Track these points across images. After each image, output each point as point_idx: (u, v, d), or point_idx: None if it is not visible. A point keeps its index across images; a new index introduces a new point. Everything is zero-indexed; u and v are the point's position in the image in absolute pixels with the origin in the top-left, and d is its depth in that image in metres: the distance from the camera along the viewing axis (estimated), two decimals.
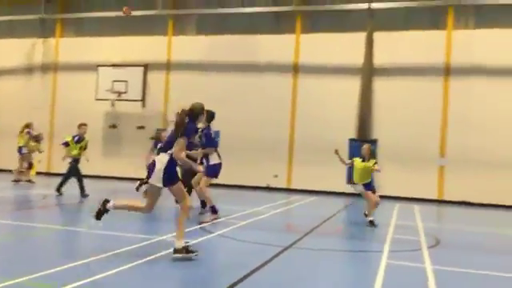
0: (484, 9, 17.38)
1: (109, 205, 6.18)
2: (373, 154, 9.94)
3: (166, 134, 13.71)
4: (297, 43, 19.09)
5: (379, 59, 17.70)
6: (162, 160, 5.83)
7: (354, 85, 17.89)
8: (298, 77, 19.03)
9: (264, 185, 18.69)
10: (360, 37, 17.75)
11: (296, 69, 19.05)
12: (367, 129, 17.99)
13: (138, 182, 13.34)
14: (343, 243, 8.51)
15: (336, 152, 10.01)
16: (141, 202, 6.38)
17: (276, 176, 18.74)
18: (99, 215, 6.26)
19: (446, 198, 17.20)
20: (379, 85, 17.90)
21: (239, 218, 9.71)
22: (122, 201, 6.50)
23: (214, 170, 9.37)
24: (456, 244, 8.42)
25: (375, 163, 9.77)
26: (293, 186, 18.70)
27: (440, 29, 17.83)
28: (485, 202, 16.51)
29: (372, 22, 17.63)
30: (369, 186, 9.86)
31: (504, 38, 16.96)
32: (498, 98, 16.89)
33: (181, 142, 5.78)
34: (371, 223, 9.62)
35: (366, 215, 9.94)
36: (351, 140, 17.66)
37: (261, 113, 19.16)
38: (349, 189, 17.82)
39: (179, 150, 5.76)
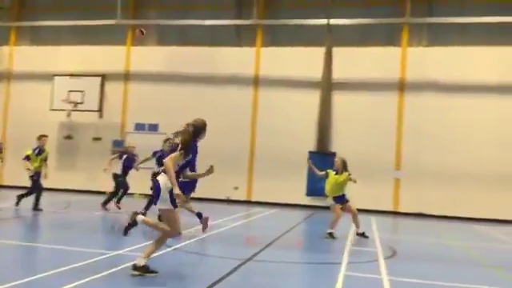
0: (435, 28, 18.13)
1: (138, 217, 5.91)
2: (345, 167, 10.06)
3: (130, 145, 13.57)
4: (257, 56, 19.27)
5: (338, 73, 18.09)
6: (165, 182, 5.54)
7: (313, 98, 18.18)
8: (258, 89, 19.18)
9: (224, 197, 18.61)
10: (319, 51, 18.11)
11: (257, 81, 19.20)
12: (326, 141, 18.29)
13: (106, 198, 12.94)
14: (303, 255, 8.56)
15: (308, 161, 10.16)
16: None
17: (236, 188, 18.71)
18: (128, 229, 5.98)
19: (402, 209, 17.65)
20: (338, 98, 18.28)
21: (198, 231, 9.61)
22: (153, 220, 6.12)
23: (187, 185, 9.24)
24: (411, 255, 8.63)
25: (349, 175, 9.93)
26: (253, 199, 18.72)
27: (395, 45, 18.46)
28: (438, 213, 17.04)
29: (330, 37, 18.03)
30: (339, 199, 10.00)
31: (454, 55, 17.72)
32: (449, 112, 17.57)
33: (176, 154, 5.57)
34: (330, 235, 9.73)
35: (358, 234, 10.08)
36: (311, 152, 17.88)
37: (221, 125, 19.13)
38: (309, 201, 18.08)
39: (170, 159, 5.51)
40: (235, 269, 6.38)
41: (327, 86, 18.24)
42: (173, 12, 19.99)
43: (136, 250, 6.87)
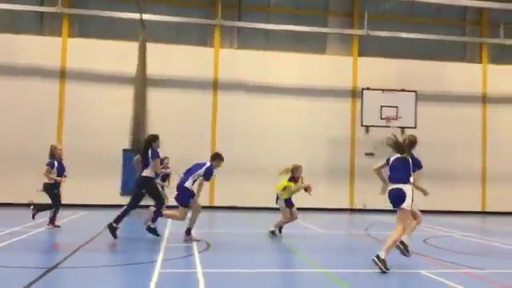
0: (245, 32, 19.25)
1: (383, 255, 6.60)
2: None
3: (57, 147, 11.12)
4: (64, 47, 17.84)
5: (153, 70, 17.78)
6: (409, 189, 6.79)
7: (126, 94, 17.53)
8: (65, 83, 17.77)
9: (26, 201, 16.72)
10: (133, 46, 17.54)
11: (63, 74, 17.76)
12: (141, 139, 17.81)
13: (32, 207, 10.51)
14: (115, 257, 8.15)
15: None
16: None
17: (40, 191, 16.97)
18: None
19: (217, 203, 18.29)
20: (153, 95, 17.94)
21: None
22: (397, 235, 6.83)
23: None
24: (225, 246, 8.95)
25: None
26: (62, 201, 17.23)
27: (209, 46, 19.03)
28: (250, 205, 18.12)
29: (144, 32, 17.63)
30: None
31: (260, 59, 19.09)
32: (258, 111, 18.85)
33: (418, 173, 7.02)
34: (273, 233, 10.43)
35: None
36: (125, 150, 17.29)
37: (22, 121, 17.24)
38: (124, 200, 17.41)
39: (419, 173, 7.03)
40: (37, 279, 5.71)
41: (141, 82, 17.76)
42: None
43: None
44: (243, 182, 18.29)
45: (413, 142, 7.00)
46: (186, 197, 9.16)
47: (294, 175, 10.37)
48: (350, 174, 19.49)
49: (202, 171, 9.25)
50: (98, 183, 17.18)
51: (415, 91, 19.03)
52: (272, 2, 19.94)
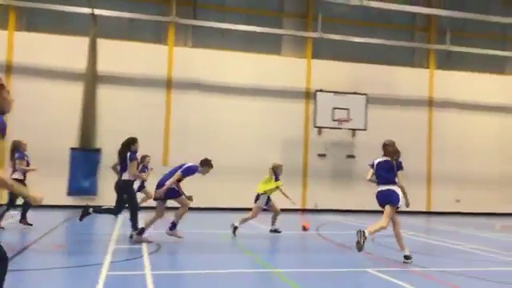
0: (200, 30, 19.11)
1: (366, 233, 7.12)
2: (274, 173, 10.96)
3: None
4: (10, 41, 17.08)
5: (104, 67, 17.37)
6: (398, 190, 7.49)
7: (75, 91, 17.04)
8: (10, 78, 17.02)
9: None
10: (83, 41, 17.07)
11: (9, 69, 17.01)
12: (90, 137, 17.36)
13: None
14: (61, 260, 7.87)
15: None
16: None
17: None
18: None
19: (170, 204, 17.99)
20: (104, 92, 17.55)
21: None
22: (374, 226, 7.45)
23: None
24: (175, 247, 8.84)
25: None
26: (4, 201, 16.48)
27: (163, 43, 18.75)
28: (203, 206, 17.96)
29: (96, 27, 17.19)
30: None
31: (215, 58, 19.00)
32: (213, 111, 18.76)
33: (401, 173, 7.59)
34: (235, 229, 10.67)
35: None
36: (73, 149, 16.79)
37: None
38: (71, 201, 16.88)
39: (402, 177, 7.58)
40: None
41: (91, 79, 17.32)
42: None
43: None
44: (197, 182, 18.06)
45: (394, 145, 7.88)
46: (172, 192, 9.46)
47: (276, 173, 10.92)
48: (302, 174, 19.74)
49: (183, 167, 9.39)
50: (43, 183, 16.36)
51: (366, 94, 19.52)
52: (227, 2, 19.90)
